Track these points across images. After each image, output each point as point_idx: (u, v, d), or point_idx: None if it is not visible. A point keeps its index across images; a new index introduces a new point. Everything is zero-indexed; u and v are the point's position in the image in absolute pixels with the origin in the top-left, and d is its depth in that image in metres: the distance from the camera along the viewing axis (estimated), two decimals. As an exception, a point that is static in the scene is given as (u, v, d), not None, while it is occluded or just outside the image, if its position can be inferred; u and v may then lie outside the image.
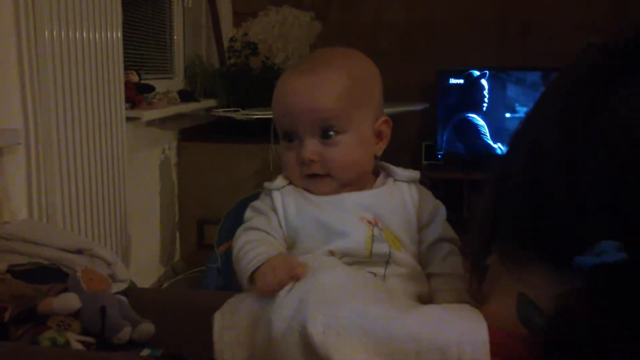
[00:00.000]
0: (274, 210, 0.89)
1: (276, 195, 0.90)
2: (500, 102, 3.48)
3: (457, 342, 0.61)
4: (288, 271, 0.74)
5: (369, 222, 0.86)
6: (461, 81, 3.49)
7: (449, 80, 3.50)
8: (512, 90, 3.48)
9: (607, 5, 3.42)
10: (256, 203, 0.93)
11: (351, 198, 0.88)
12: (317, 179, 0.89)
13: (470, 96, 3.50)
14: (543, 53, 3.45)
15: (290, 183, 0.91)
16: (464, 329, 0.62)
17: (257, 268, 0.79)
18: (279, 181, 0.92)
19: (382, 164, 0.96)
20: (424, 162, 3.57)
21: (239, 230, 0.90)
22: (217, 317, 0.84)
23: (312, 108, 0.86)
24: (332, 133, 0.87)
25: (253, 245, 0.84)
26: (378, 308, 0.68)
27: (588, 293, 0.50)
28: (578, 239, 0.52)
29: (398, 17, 3.67)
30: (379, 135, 0.92)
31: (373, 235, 0.84)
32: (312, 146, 0.87)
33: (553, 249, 0.55)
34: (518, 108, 3.46)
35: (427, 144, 3.59)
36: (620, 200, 0.50)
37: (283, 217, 0.88)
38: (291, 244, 0.88)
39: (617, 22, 3.33)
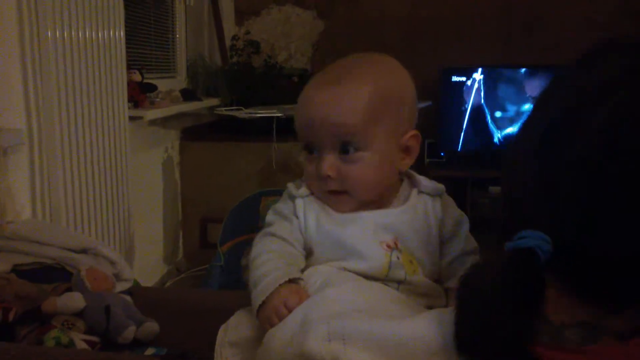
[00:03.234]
0: (297, 216, 0.88)
1: (299, 203, 0.89)
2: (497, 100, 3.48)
3: None
4: (291, 309, 0.75)
5: (389, 247, 0.84)
6: (464, 79, 3.49)
7: (451, 78, 3.49)
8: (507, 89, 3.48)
9: (612, 1, 3.41)
10: (279, 206, 0.91)
11: (372, 218, 0.86)
12: (335, 196, 0.87)
13: (474, 95, 3.50)
14: (547, 50, 3.45)
15: (314, 193, 0.90)
16: None
17: (263, 303, 0.79)
18: (303, 190, 0.90)
19: (408, 171, 0.93)
20: (427, 160, 3.57)
21: (259, 235, 0.89)
22: (221, 331, 0.85)
23: (333, 122, 0.83)
24: (351, 149, 0.84)
25: (265, 258, 0.84)
26: (386, 315, 0.68)
27: (499, 269, 0.55)
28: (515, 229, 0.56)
29: (401, 14, 3.67)
30: (406, 150, 0.89)
31: (391, 261, 0.83)
32: (330, 161, 0.85)
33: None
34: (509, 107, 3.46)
35: (429, 142, 3.58)
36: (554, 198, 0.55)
37: (304, 226, 0.87)
38: (308, 253, 0.87)
39: (622, 19, 3.33)
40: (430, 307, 0.81)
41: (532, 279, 0.53)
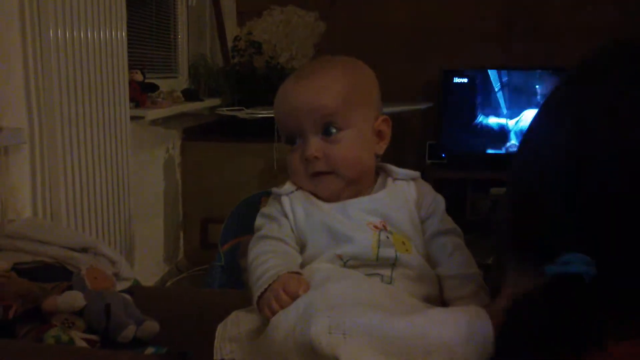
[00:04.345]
0: (285, 215, 0.91)
1: (285, 200, 0.91)
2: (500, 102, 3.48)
3: (464, 341, 0.62)
4: (292, 296, 0.76)
5: (376, 227, 0.87)
6: (465, 80, 3.49)
7: (453, 80, 3.49)
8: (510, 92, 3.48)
9: (612, 7, 3.42)
10: (266, 210, 0.94)
11: (358, 203, 0.89)
12: (321, 177, 0.90)
13: (476, 96, 3.50)
14: (549, 53, 3.45)
15: (298, 189, 0.93)
16: (471, 328, 0.62)
17: (263, 292, 0.80)
18: (287, 186, 0.93)
19: (382, 165, 0.97)
20: (428, 162, 3.57)
21: (252, 240, 0.91)
22: (220, 329, 0.85)
23: (314, 106, 0.89)
24: (334, 130, 0.89)
25: (263, 258, 0.85)
26: (384, 312, 0.68)
27: (543, 296, 0.52)
28: (554, 250, 0.53)
29: (403, 16, 3.67)
30: (379, 134, 0.94)
31: (379, 240, 0.85)
32: (315, 144, 0.89)
33: (538, 256, 0.56)
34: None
35: (430, 143, 3.58)
36: (598, 217, 0.52)
37: (293, 221, 0.90)
38: (302, 247, 0.89)
39: (623, 23, 3.33)
40: (426, 298, 0.82)
41: (586, 309, 0.51)
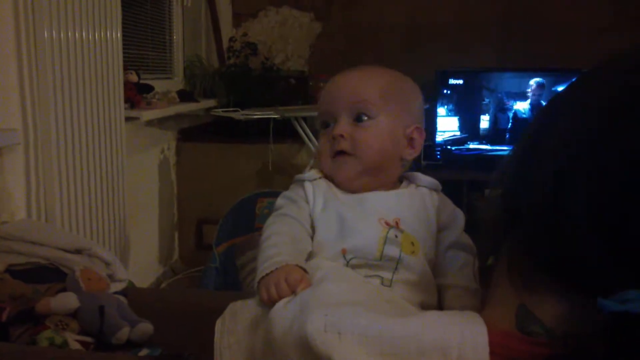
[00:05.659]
0: (306, 200, 0.93)
1: (308, 186, 0.94)
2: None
3: (458, 343, 0.62)
4: (291, 287, 0.77)
5: (387, 224, 0.87)
6: (460, 81, 3.49)
7: (448, 81, 3.49)
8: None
9: (611, 6, 3.42)
10: (288, 193, 0.96)
11: (374, 197, 0.91)
12: (342, 157, 0.93)
13: (471, 98, 3.50)
14: (545, 54, 3.45)
15: (322, 177, 0.95)
16: (465, 331, 0.62)
17: (266, 275, 0.81)
18: (312, 173, 0.96)
19: (409, 173, 0.99)
20: (423, 163, 3.57)
21: (271, 218, 0.93)
22: (219, 323, 0.85)
23: (351, 92, 0.95)
24: (365, 118, 0.94)
25: (277, 240, 0.87)
26: (380, 313, 0.68)
27: (604, 337, 0.49)
28: (605, 280, 0.50)
29: (398, 18, 3.67)
30: (411, 141, 0.97)
31: (387, 237, 0.85)
32: (344, 124, 0.94)
33: (573, 278, 0.54)
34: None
35: (426, 144, 3.59)
36: None
37: (312, 207, 0.92)
38: (313, 235, 0.90)
39: (620, 24, 3.33)
40: (422, 305, 0.82)
41: None
